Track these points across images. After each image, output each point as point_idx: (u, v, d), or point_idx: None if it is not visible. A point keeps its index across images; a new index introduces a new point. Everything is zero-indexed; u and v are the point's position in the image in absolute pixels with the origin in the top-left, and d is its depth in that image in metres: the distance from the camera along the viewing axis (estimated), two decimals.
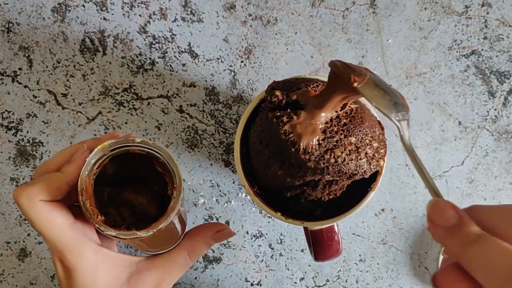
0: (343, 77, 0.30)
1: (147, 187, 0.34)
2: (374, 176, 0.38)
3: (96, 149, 0.29)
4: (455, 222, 0.24)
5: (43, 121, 0.50)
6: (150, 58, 0.50)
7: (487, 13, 0.51)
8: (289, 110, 0.34)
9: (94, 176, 0.30)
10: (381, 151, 0.35)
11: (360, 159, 0.34)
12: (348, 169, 0.34)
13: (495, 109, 0.51)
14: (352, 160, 0.34)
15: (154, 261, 0.34)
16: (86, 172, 0.29)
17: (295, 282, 0.52)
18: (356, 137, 0.34)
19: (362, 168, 0.35)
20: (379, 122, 0.37)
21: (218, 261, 0.52)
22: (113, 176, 0.33)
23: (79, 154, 0.31)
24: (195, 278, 0.52)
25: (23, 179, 0.50)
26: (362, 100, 0.38)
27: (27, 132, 0.50)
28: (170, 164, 0.30)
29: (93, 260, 0.30)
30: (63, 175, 0.30)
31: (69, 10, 0.50)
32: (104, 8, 0.50)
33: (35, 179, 0.31)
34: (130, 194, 0.33)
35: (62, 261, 0.30)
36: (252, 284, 0.52)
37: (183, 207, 0.33)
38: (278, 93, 0.35)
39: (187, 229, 0.38)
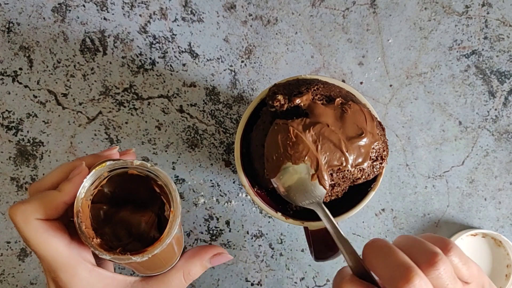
0: None
1: (145, 207, 0.34)
2: (375, 176, 0.38)
3: (93, 170, 0.29)
4: None
5: (43, 121, 0.50)
6: (150, 58, 0.50)
7: (488, 13, 0.51)
8: (295, 119, 0.34)
9: (91, 196, 0.30)
10: (383, 153, 0.35)
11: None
12: (352, 174, 0.34)
13: (496, 109, 0.51)
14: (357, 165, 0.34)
15: (149, 282, 0.34)
16: (83, 194, 0.29)
17: (296, 282, 0.52)
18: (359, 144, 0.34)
19: (366, 173, 0.35)
20: (380, 123, 0.37)
21: None
22: (110, 194, 0.33)
23: (77, 172, 0.30)
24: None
25: (23, 178, 0.50)
26: (363, 100, 0.38)
27: (28, 132, 0.50)
28: (169, 187, 0.30)
29: (87, 280, 0.30)
30: (60, 194, 0.29)
31: (70, 10, 0.50)
32: (104, 8, 0.50)
33: (30, 196, 0.30)
34: (126, 214, 0.33)
35: (56, 281, 0.30)
36: (252, 284, 0.52)
37: (180, 232, 0.32)
38: (280, 97, 0.35)
39: (184, 234, 0.38)
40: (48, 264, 0.29)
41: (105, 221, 0.32)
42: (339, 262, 0.52)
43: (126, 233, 0.33)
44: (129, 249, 0.30)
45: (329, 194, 0.38)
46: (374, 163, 0.35)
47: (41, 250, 0.29)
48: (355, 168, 0.34)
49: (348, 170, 0.34)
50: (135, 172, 0.30)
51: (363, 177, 0.35)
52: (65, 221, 0.30)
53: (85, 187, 0.29)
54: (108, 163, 0.29)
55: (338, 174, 0.33)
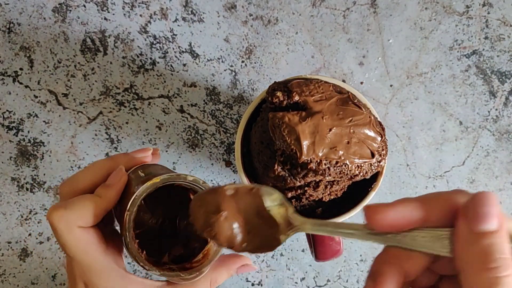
0: None
1: (178, 210, 0.33)
2: (375, 176, 0.38)
3: (147, 183, 0.28)
4: None
5: (44, 121, 0.50)
6: (151, 58, 0.51)
7: (488, 13, 0.51)
8: (291, 111, 0.34)
9: (137, 207, 0.29)
10: (382, 152, 0.35)
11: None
12: (350, 170, 0.34)
13: (496, 109, 0.51)
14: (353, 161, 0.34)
15: (176, 286, 0.35)
16: (134, 209, 0.28)
17: (296, 282, 0.52)
18: (358, 139, 0.34)
19: (364, 170, 0.35)
20: (380, 122, 0.37)
21: None
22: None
23: (117, 178, 0.30)
24: None
25: (24, 179, 0.50)
26: (363, 100, 0.38)
27: (28, 132, 0.50)
28: None
29: (119, 285, 0.31)
30: (103, 201, 0.29)
31: (70, 10, 0.50)
32: (105, 8, 0.50)
33: (62, 197, 0.31)
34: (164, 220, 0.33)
35: (87, 284, 0.31)
36: (253, 284, 0.52)
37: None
38: (279, 93, 0.35)
39: None
40: (82, 269, 0.30)
41: (140, 224, 0.33)
42: (340, 262, 0.52)
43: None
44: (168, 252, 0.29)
45: (328, 192, 0.38)
46: (372, 160, 0.35)
47: (79, 258, 0.29)
48: (353, 163, 0.34)
49: (345, 165, 0.34)
50: (182, 185, 0.30)
51: (361, 174, 0.35)
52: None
53: (136, 201, 0.28)
54: (162, 177, 0.28)
55: (335, 168, 0.33)
